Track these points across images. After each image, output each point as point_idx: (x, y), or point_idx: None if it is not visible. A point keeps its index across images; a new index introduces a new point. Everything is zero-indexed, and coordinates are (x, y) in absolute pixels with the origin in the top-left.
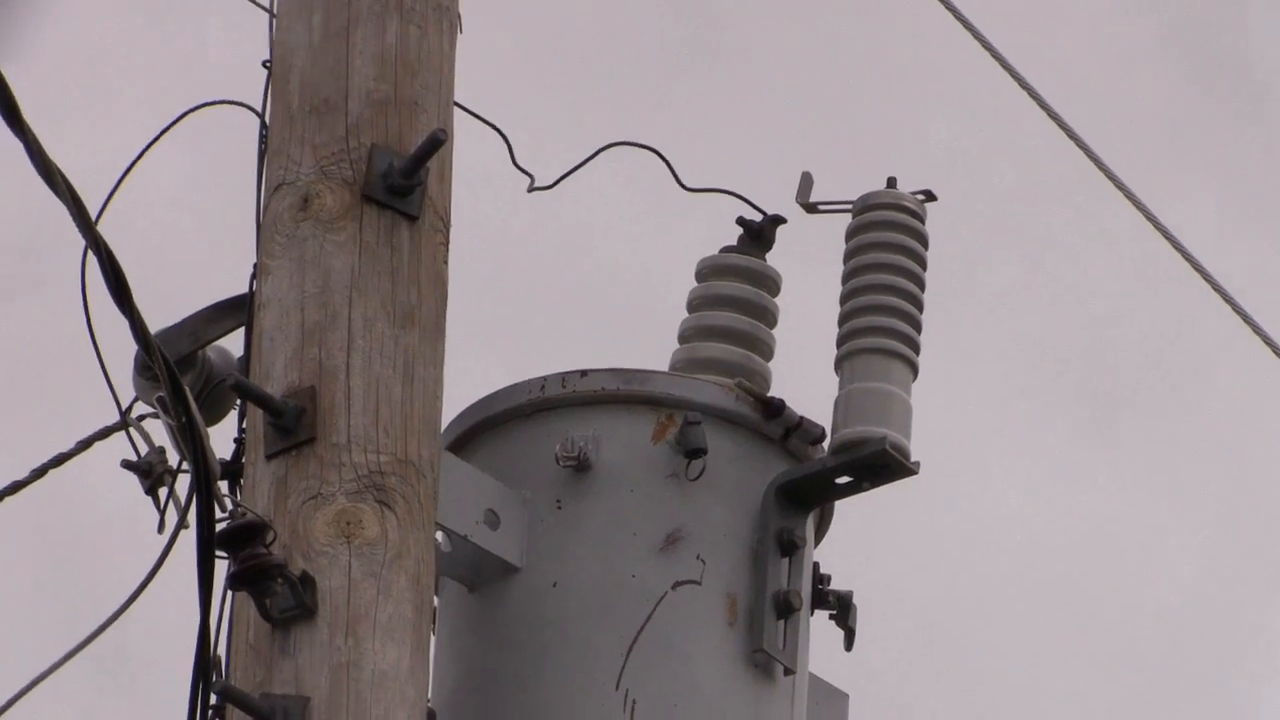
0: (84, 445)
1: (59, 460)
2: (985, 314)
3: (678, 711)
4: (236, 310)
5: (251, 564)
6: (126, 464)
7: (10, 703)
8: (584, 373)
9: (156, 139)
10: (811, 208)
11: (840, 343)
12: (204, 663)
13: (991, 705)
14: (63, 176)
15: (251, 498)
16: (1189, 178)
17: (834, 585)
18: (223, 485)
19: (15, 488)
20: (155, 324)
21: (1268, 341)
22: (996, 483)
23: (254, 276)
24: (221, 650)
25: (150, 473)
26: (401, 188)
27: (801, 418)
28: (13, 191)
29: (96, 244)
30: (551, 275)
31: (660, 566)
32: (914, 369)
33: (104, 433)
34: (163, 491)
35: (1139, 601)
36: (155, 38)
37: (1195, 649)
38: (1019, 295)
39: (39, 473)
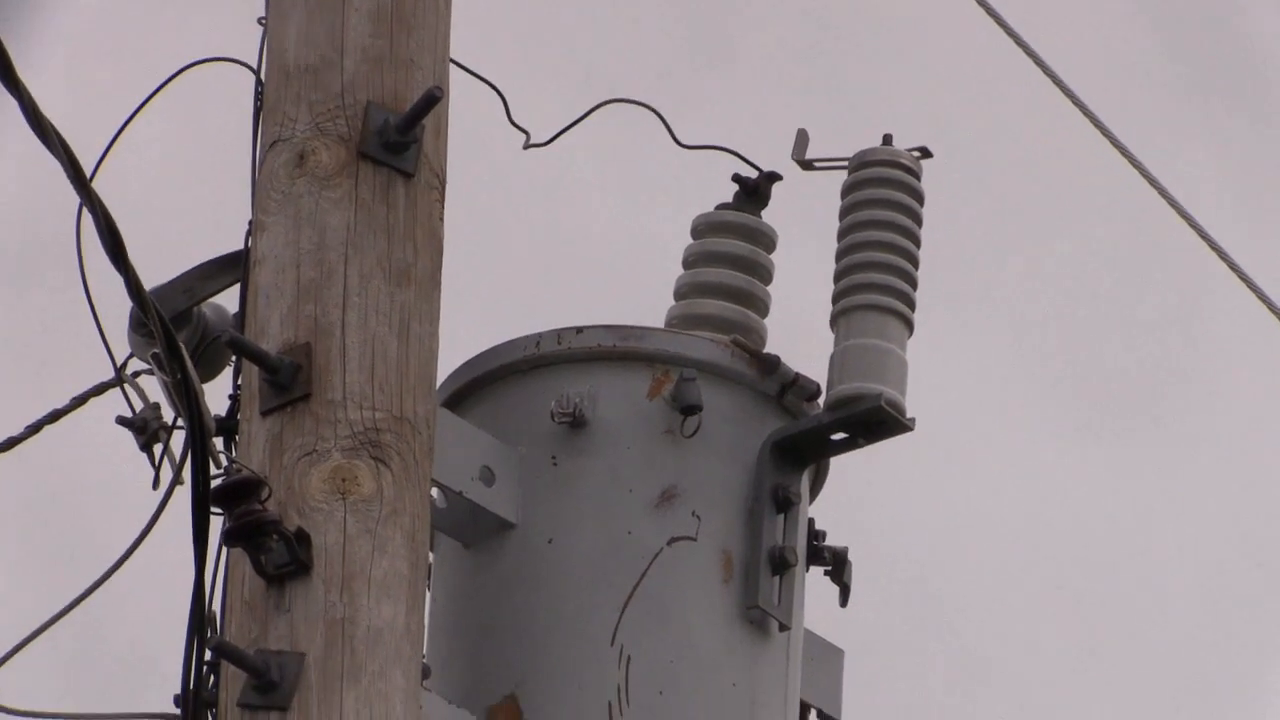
0: (79, 402)
1: (54, 417)
2: (989, 284)
3: (673, 667)
4: (232, 267)
5: (246, 520)
6: (121, 420)
7: (2, 661)
8: (580, 329)
9: (152, 95)
10: (807, 165)
11: (836, 299)
12: (199, 619)
13: (984, 662)
14: (56, 133)
15: (246, 454)
16: (1192, 165)
17: (829, 541)
18: (218, 442)
19: (10, 444)
20: (150, 281)
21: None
22: (996, 445)
23: (249, 233)
24: (216, 606)
25: (145, 429)
26: (397, 145)
27: (797, 374)
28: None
29: (91, 201)
30: (547, 232)
31: (656, 523)
32: (909, 326)
33: (99, 389)
34: (158, 448)
35: (1133, 571)
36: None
37: (1192, 622)
38: (1024, 267)
39: (34, 429)
